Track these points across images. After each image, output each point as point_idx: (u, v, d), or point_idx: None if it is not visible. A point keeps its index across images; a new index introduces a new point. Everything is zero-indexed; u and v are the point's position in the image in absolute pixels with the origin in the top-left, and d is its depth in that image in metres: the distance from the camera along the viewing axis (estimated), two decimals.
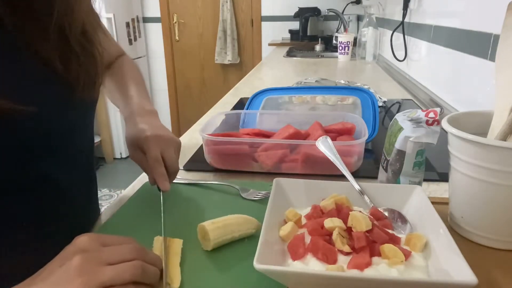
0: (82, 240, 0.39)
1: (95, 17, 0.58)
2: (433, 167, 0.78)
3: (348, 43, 2.34)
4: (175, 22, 3.95)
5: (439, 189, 0.70)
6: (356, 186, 0.56)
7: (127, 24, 3.56)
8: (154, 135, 0.63)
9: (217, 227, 0.52)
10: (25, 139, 0.47)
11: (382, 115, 1.19)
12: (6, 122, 0.44)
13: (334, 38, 3.02)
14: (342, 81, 1.56)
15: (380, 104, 1.28)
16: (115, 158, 3.59)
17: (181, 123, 4.27)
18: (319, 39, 3.07)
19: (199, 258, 0.51)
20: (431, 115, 0.56)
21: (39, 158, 0.50)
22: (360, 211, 0.50)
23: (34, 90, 0.49)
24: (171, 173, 0.63)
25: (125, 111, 0.69)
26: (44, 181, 0.52)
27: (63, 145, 0.54)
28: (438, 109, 0.56)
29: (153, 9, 3.92)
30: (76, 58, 0.53)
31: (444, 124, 0.53)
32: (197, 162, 0.83)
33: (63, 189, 0.56)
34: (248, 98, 1.07)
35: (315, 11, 3.45)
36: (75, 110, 0.55)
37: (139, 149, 0.64)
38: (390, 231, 0.48)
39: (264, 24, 3.84)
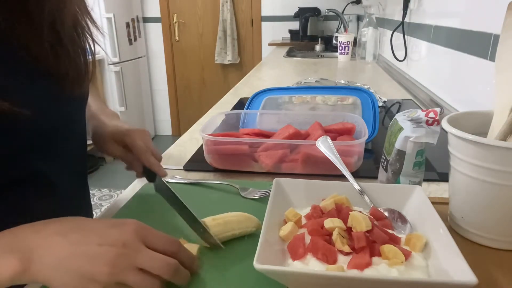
0: (128, 231, 0.40)
1: (85, 9, 0.57)
2: (433, 167, 0.78)
3: (348, 43, 2.34)
4: (175, 22, 3.95)
5: (439, 189, 0.70)
6: (356, 186, 0.56)
7: (127, 24, 3.56)
8: (133, 128, 0.65)
9: (218, 223, 0.52)
10: (14, 135, 0.47)
11: (382, 115, 1.19)
12: None
13: (334, 38, 3.03)
14: (342, 81, 1.56)
15: (380, 104, 1.28)
16: (115, 158, 3.57)
17: (181, 123, 4.27)
18: (319, 39, 3.07)
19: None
20: (431, 115, 0.56)
21: (29, 155, 0.50)
22: (360, 211, 0.50)
23: (25, 87, 0.48)
24: (158, 161, 0.65)
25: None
26: (34, 178, 0.52)
27: (51, 142, 0.54)
28: (438, 109, 0.56)
29: (153, 9, 3.92)
30: (66, 52, 0.52)
31: (444, 124, 0.53)
32: (197, 162, 0.83)
33: (54, 186, 0.56)
34: (248, 98, 1.07)
35: (315, 11, 3.45)
36: (64, 106, 0.55)
37: (116, 143, 0.65)
38: (390, 231, 0.48)
39: (264, 24, 3.84)
